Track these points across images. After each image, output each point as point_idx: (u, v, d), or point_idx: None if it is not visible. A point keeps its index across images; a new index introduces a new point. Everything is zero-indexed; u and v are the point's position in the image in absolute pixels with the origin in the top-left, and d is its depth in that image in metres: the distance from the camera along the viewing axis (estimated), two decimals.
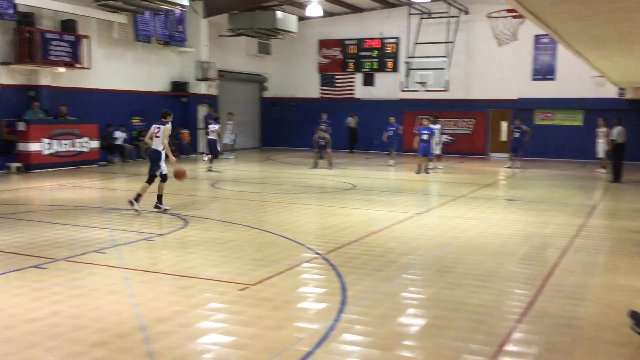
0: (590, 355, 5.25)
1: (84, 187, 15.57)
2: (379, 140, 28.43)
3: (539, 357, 5.19)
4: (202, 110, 25.48)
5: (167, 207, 11.89)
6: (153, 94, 24.07)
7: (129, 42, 22.49)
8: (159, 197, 11.88)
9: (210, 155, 20.01)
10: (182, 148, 24.56)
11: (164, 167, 11.86)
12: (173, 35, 23.76)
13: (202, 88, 25.36)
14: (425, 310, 6.35)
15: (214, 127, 20.33)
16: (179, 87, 24.93)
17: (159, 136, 11.68)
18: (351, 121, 28.56)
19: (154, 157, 11.84)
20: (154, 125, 11.85)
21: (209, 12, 24.96)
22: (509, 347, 5.38)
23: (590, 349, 5.39)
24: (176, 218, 11.23)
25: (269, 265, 7.98)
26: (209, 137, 20.30)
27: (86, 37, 20.33)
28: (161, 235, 9.76)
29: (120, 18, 21.45)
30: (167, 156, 11.80)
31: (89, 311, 6.09)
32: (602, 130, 20.19)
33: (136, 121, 23.35)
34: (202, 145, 25.81)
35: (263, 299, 6.57)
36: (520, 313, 6.27)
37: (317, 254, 8.66)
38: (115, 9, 20.85)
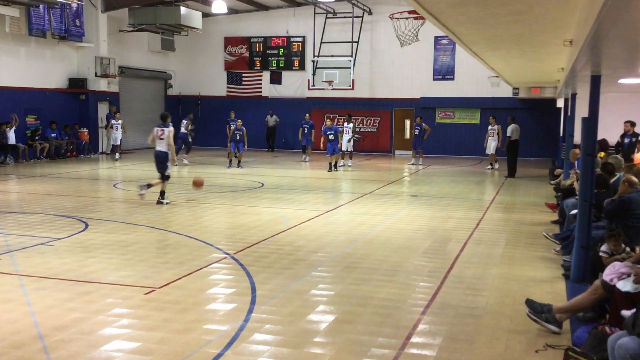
0: (491, 343, 5.49)
1: None
2: (286, 138, 28.66)
3: (443, 347, 5.37)
4: (103, 108, 24.51)
5: (168, 201, 12.61)
6: (49, 91, 22.90)
7: (22, 36, 21.26)
8: (163, 194, 12.62)
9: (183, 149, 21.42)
10: (81, 148, 23.56)
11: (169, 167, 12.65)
12: (70, 30, 22.69)
13: (102, 85, 24.37)
14: (334, 307, 6.42)
15: (185, 121, 21.72)
16: (76, 83, 23.85)
17: (163, 138, 12.34)
18: (269, 120, 28.33)
19: (162, 159, 12.44)
20: (156, 128, 12.47)
21: (108, 6, 24.03)
22: (415, 339, 5.54)
23: (490, 337, 5.64)
24: (75, 221, 10.74)
25: (175, 267, 7.79)
26: (181, 131, 21.41)
27: None
28: (59, 239, 9.30)
29: (12, 11, 20.18)
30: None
31: None
32: (493, 128, 21.04)
33: (30, 120, 22.13)
34: (103, 145, 24.87)
35: (170, 302, 6.40)
36: (425, 305, 6.48)
37: (226, 254, 8.56)
38: (6, 2, 19.62)
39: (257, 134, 28.13)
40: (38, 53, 22.40)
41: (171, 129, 12.47)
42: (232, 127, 20.60)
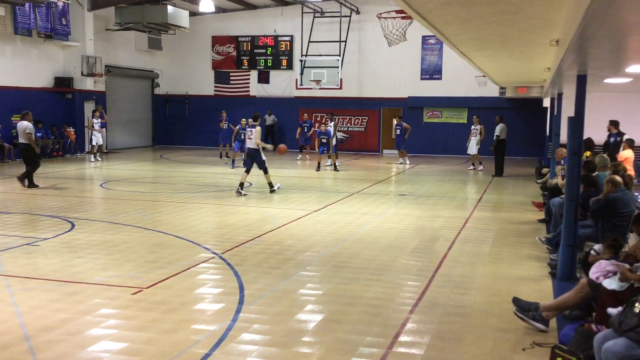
0: (479, 342, 5.51)
1: None
2: (277, 138, 28.63)
3: (431, 345, 5.39)
4: (89, 108, 24.33)
5: (279, 185, 14.78)
6: (35, 90, 22.71)
7: (8, 35, 21.08)
8: (270, 184, 14.45)
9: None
10: (67, 147, 23.39)
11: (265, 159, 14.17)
12: (56, 29, 22.52)
13: (89, 84, 24.20)
14: (322, 306, 6.42)
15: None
16: (63, 82, 23.68)
17: (251, 137, 14.05)
18: (267, 119, 28.24)
19: (254, 155, 14.10)
20: (247, 129, 14.32)
21: (95, 4, 23.86)
22: (403, 338, 5.55)
23: (478, 335, 5.66)
24: (62, 221, 10.66)
25: (163, 267, 7.76)
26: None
27: None
28: (45, 239, 9.23)
29: None
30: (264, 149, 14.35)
31: None
32: (476, 127, 20.86)
33: (16, 119, 21.89)
34: (88, 144, 24.67)
35: (157, 302, 6.37)
36: (413, 304, 6.49)
37: (214, 253, 8.53)
38: None
39: None
40: (24, 52, 22.20)
41: (258, 128, 14.05)
42: (237, 126, 20.48)
